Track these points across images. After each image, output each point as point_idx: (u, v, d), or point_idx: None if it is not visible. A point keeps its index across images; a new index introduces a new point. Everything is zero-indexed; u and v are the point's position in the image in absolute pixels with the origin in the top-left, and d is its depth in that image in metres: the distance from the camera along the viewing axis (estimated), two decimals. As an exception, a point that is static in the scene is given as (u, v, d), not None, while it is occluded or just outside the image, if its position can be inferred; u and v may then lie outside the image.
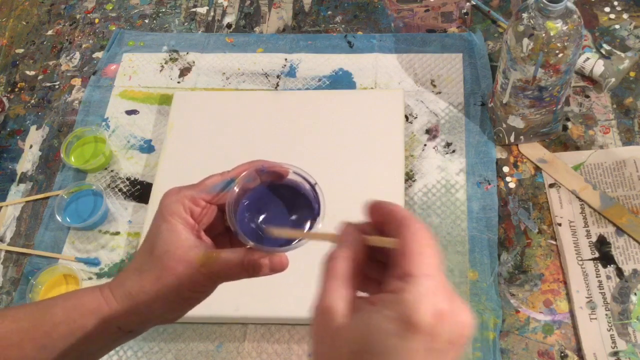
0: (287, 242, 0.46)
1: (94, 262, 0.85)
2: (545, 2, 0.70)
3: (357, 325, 0.35)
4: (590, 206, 0.82)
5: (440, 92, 0.94)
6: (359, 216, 0.85)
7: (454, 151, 0.89)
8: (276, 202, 0.47)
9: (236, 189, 0.46)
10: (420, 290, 0.34)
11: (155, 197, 0.87)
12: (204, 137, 0.91)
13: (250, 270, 0.46)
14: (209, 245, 0.47)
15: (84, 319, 0.48)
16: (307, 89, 0.97)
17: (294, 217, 0.47)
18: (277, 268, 0.47)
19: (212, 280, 0.47)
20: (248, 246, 0.45)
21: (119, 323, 0.48)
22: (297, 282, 0.78)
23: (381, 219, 0.39)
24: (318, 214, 0.46)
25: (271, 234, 0.45)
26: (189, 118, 0.92)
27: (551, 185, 0.84)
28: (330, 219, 0.82)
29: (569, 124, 0.89)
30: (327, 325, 0.36)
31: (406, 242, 0.37)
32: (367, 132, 0.88)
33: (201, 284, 0.47)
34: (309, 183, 0.47)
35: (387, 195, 0.82)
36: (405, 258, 0.36)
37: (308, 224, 0.46)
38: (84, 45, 1.08)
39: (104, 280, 0.84)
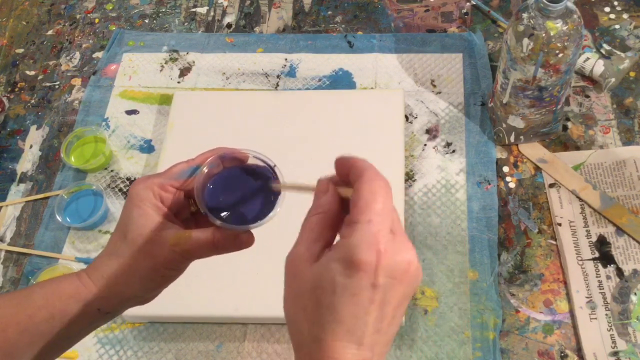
0: (253, 220, 0.49)
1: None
2: (545, 2, 0.70)
3: (316, 268, 0.40)
4: (590, 206, 0.82)
5: (440, 92, 0.94)
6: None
7: (454, 151, 0.89)
8: (240, 184, 0.50)
9: (204, 170, 0.49)
10: (361, 234, 0.38)
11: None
12: (204, 137, 0.91)
13: (219, 247, 0.49)
14: (179, 227, 0.50)
15: (64, 303, 0.49)
16: (307, 89, 0.97)
17: (257, 197, 0.50)
18: (244, 245, 0.51)
19: (184, 258, 0.49)
20: (217, 224, 0.48)
21: (98, 305, 0.50)
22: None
23: (346, 171, 0.42)
24: (279, 194, 0.49)
25: (277, 189, 0.50)
26: (189, 118, 0.92)
27: (551, 185, 0.84)
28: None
29: (569, 124, 0.89)
30: (293, 269, 0.41)
31: (357, 191, 0.40)
32: (367, 132, 0.88)
33: (174, 262, 0.49)
34: (269, 166, 0.50)
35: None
36: (354, 206, 0.40)
37: (271, 204, 0.49)
38: (84, 45, 1.08)
39: (104, 280, 0.84)
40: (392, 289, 0.39)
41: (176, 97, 0.95)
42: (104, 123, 0.97)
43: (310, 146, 0.88)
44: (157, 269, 0.49)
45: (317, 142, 0.88)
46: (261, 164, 0.51)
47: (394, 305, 0.39)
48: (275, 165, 0.50)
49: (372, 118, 0.89)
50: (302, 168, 0.86)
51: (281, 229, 0.82)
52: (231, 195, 0.50)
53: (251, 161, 0.52)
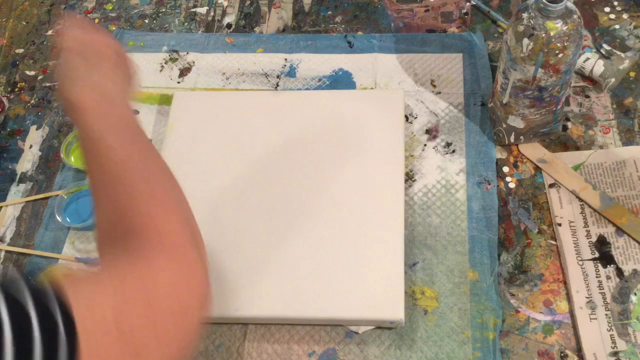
0: None
1: (94, 262, 0.85)
2: (545, 2, 0.70)
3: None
4: (590, 206, 0.82)
5: (440, 92, 0.94)
6: (359, 216, 0.85)
7: (454, 151, 0.89)
8: None
9: None
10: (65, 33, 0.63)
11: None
12: (204, 137, 0.91)
13: None
14: None
15: None
16: (307, 89, 0.97)
17: None
18: None
19: None
20: None
21: None
22: (297, 282, 0.78)
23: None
24: None
25: None
26: (189, 118, 0.92)
27: (551, 185, 0.84)
28: (330, 219, 0.83)
29: (569, 124, 0.89)
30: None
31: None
32: (367, 132, 0.88)
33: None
34: None
35: (387, 195, 0.82)
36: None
37: None
38: (84, 45, 1.08)
39: (104, 280, 0.84)
40: (99, 62, 0.62)
41: (176, 97, 0.95)
42: (104, 123, 0.97)
43: (310, 146, 0.88)
44: None
45: (317, 142, 0.88)
46: None
47: (97, 59, 0.62)
48: None
49: (372, 118, 0.89)
50: (302, 168, 0.87)
51: (281, 229, 0.82)
52: None
53: None
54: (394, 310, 0.74)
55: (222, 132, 0.91)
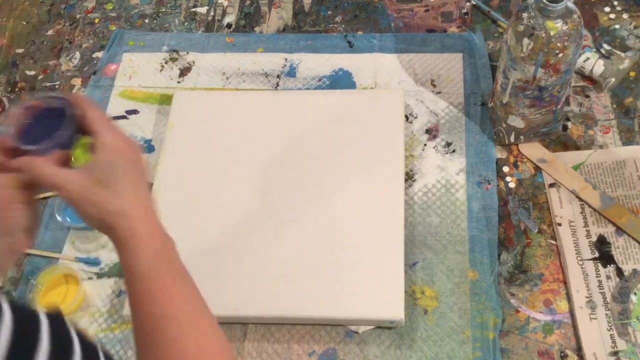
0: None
1: (94, 262, 0.85)
2: (545, 2, 0.70)
3: (89, 168, 0.57)
4: (590, 206, 0.82)
5: (440, 92, 0.94)
6: (359, 216, 0.85)
7: (454, 151, 0.89)
8: (42, 123, 0.59)
9: (10, 129, 0.58)
10: (107, 134, 0.57)
11: (156, 196, 0.87)
12: (204, 137, 0.91)
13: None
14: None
15: None
16: (307, 88, 0.97)
17: (54, 127, 0.58)
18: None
19: (30, 192, 0.58)
20: (22, 148, 0.57)
21: None
22: (297, 282, 0.78)
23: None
24: (67, 119, 0.58)
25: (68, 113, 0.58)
26: (189, 118, 0.92)
27: (551, 185, 0.84)
28: (330, 218, 0.83)
29: (569, 124, 0.89)
30: (71, 190, 0.56)
31: (89, 117, 0.58)
32: (367, 132, 0.88)
33: (20, 201, 0.57)
34: (63, 107, 0.59)
35: (387, 195, 0.82)
36: (92, 125, 0.57)
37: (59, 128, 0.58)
38: (84, 45, 1.08)
39: (104, 280, 0.84)
40: (137, 159, 0.57)
41: (176, 97, 0.95)
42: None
43: (310, 146, 0.88)
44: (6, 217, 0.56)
45: (317, 142, 0.88)
46: (56, 102, 0.59)
47: (141, 168, 0.58)
48: (67, 107, 0.58)
49: (372, 118, 0.89)
50: (302, 168, 0.87)
51: (281, 229, 0.82)
52: (38, 133, 0.58)
53: (47, 103, 0.60)
54: (394, 310, 0.74)
55: (222, 132, 0.91)
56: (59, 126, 0.58)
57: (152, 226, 0.56)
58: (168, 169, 0.89)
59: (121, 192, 0.55)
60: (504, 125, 0.86)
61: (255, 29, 1.06)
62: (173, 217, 0.84)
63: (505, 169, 0.87)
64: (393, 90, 0.94)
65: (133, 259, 0.54)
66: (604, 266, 0.78)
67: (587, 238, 0.80)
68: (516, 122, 0.84)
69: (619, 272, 0.77)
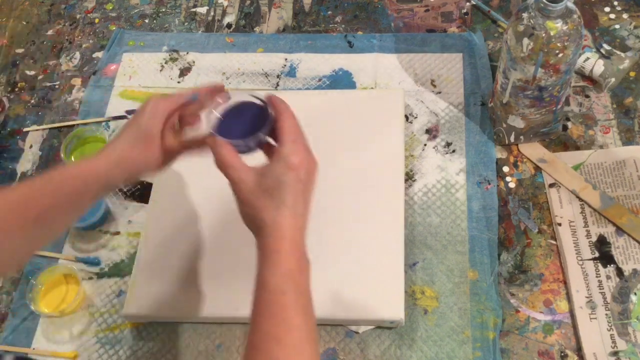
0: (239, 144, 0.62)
1: (94, 262, 0.85)
2: (546, 2, 0.70)
3: (261, 176, 0.59)
4: (590, 206, 0.82)
5: (440, 92, 0.94)
6: (359, 216, 0.85)
7: (454, 151, 0.89)
8: (239, 117, 0.64)
9: (213, 112, 0.64)
10: (290, 147, 0.60)
11: (156, 196, 0.87)
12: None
13: (205, 148, 0.66)
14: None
15: (82, 179, 0.64)
16: (307, 88, 0.97)
17: (249, 125, 0.63)
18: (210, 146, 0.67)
19: (182, 149, 0.69)
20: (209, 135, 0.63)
21: (108, 179, 0.65)
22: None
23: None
24: (266, 125, 0.62)
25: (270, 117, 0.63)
26: (189, 118, 0.92)
27: (551, 185, 0.84)
28: (330, 219, 0.83)
29: (569, 124, 0.89)
30: (241, 188, 0.60)
31: (280, 124, 0.61)
32: (367, 132, 0.88)
33: (175, 152, 0.69)
34: (264, 103, 0.63)
35: (387, 195, 0.82)
36: (281, 134, 0.61)
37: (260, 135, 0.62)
38: (84, 45, 1.08)
39: (104, 280, 0.84)
40: (306, 184, 0.60)
41: (176, 97, 0.95)
42: (104, 123, 0.97)
43: (310, 146, 0.88)
44: (154, 153, 0.66)
45: (316, 142, 0.88)
46: (258, 101, 0.64)
47: (309, 190, 0.60)
48: (268, 104, 0.63)
49: (372, 118, 0.89)
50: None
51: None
52: (233, 126, 0.64)
53: (249, 99, 0.65)
54: (394, 310, 0.74)
55: (222, 132, 0.91)
56: (254, 123, 0.62)
57: (295, 246, 0.58)
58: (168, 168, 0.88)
59: (280, 207, 0.58)
60: (504, 125, 0.86)
61: (255, 29, 1.06)
62: (173, 216, 0.85)
63: (505, 169, 0.87)
64: (393, 90, 0.94)
65: (267, 271, 0.57)
66: (604, 266, 0.78)
67: (587, 238, 0.80)
68: (516, 122, 0.84)
69: (619, 272, 0.77)
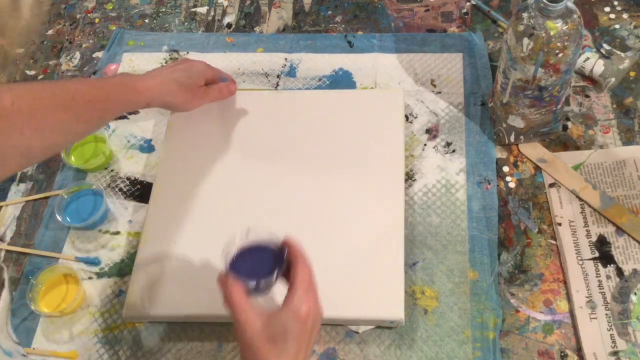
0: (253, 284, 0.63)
1: (94, 262, 0.85)
2: (546, 2, 0.70)
3: (269, 325, 0.60)
4: (590, 206, 0.82)
5: (440, 92, 0.94)
6: (359, 216, 0.85)
7: (454, 151, 0.89)
8: (256, 255, 0.66)
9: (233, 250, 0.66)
10: (300, 297, 0.61)
11: (156, 196, 0.87)
12: (203, 137, 0.91)
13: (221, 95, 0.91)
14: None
15: (127, 92, 0.78)
16: (307, 88, 0.97)
17: (269, 272, 0.64)
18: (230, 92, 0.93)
19: (206, 101, 0.90)
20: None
21: (150, 102, 0.81)
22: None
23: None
24: (275, 270, 0.64)
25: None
26: (189, 118, 0.92)
27: (551, 185, 0.84)
28: (330, 218, 0.83)
29: (569, 124, 0.89)
30: (246, 330, 0.60)
31: (294, 270, 0.62)
32: (367, 132, 0.88)
33: (201, 102, 0.89)
34: (280, 249, 0.65)
35: (387, 195, 0.82)
36: (293, 280, 0.62)
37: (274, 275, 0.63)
38: (84, 45, 1.08)
39: (104, 280, 0.84)
40: (311, 333, 0.61)
41: (176, 97, 0.95)
42: (104, 123, 0.97)
43: (310, 146, 0.88)
44: (193, 100, 0.87)
45: (317, 142, 0.88)
46: (275, 245, 0.65)
47: (313, 339, 0.62)
48: (285, 250, 0.64)
49: (372, 118, 0.89)
50: (301, 167, 0.87)
51: (281, 229, 0.82)
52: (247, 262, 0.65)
53: (266, 242, 0.66)
54: (394, 309, 0.74)
55: (222, 132, 0.91)
56: (269, 264, 0.63)
57: None
58: (168, 168, 0.89)
59: (282, 355, 0.59)
60: (504, 125, 0.86)
61: (255, 29, 1.06)
62: (173, 216, 0.85)
63: (505, 169, 0.87)
64: (393, 90, 0.94)
65: None
66: (604, 266, 0.78)
67: (587, 238, 0.80)
68: (516, 122, 0.84)
69: (619, 272, 0.77)
